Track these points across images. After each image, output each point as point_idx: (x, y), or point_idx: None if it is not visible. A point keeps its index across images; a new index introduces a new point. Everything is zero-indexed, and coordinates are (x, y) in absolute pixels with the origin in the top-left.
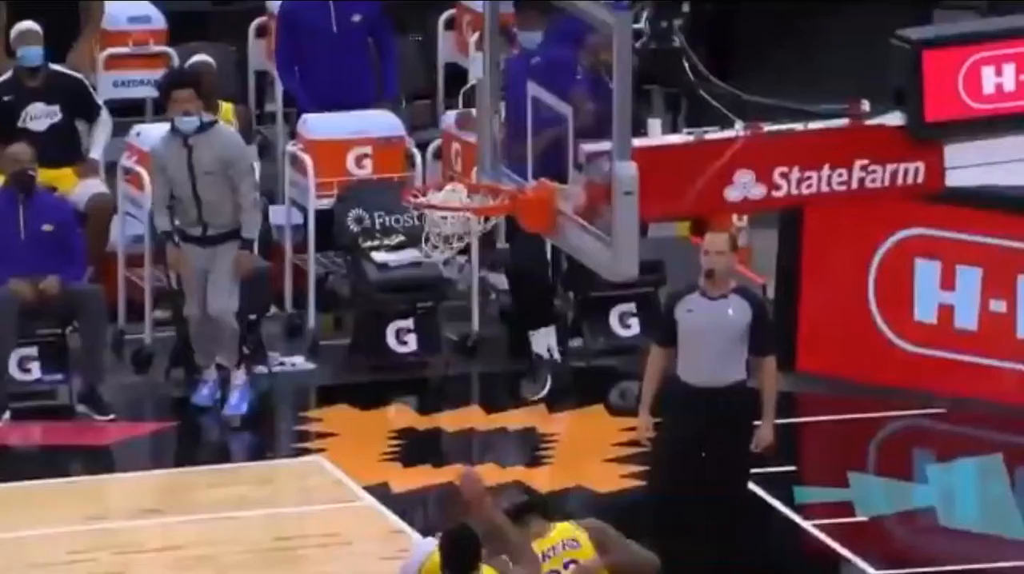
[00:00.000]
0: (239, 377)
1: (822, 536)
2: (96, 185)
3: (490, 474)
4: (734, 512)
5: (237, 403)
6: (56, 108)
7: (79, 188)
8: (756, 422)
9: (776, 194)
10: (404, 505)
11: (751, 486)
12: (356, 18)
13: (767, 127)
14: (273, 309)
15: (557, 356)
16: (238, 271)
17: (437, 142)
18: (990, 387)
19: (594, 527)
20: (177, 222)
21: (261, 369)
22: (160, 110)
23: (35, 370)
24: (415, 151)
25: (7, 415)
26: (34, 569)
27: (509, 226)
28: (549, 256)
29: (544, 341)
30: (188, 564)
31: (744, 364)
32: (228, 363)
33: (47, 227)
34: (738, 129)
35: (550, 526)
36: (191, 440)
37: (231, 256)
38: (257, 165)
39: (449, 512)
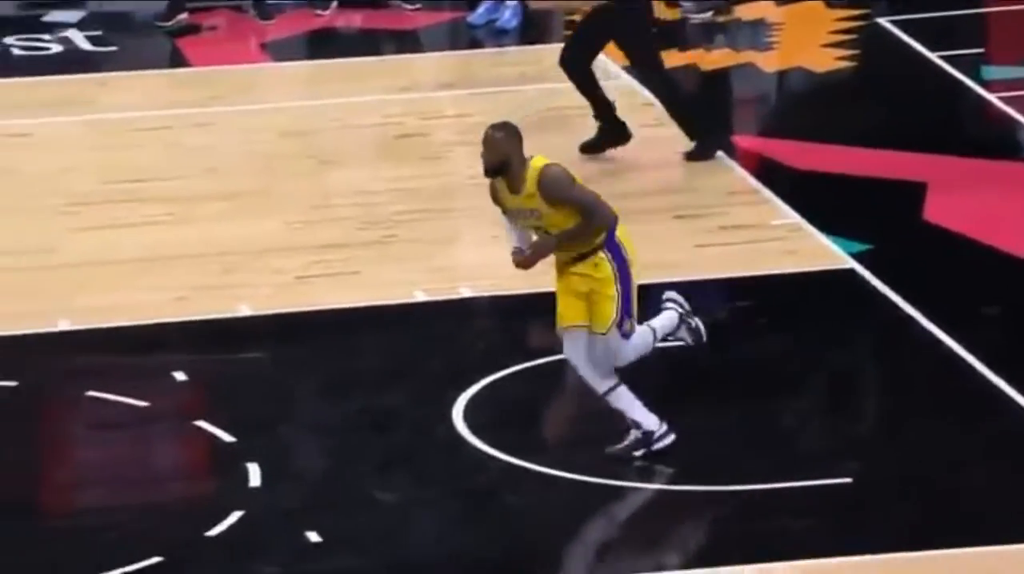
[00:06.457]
0: None
1: (1007, 108)
2: None
3: (726, 58)
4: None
5: (508, 19)
6: None
7: None
8: None
9: None
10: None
11: None
12: None
13: None
14: None
15: None
16: None
17: None
18: None
19: None
20: None
21: None
22: None
23: None
24: None
25: (335, 3)
26: (354, 129)
27: None
28: None
29: None
30: (473, 129)
31: None
32: None
33: None
34: None
35: None
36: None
37: None
38: None
39: None
